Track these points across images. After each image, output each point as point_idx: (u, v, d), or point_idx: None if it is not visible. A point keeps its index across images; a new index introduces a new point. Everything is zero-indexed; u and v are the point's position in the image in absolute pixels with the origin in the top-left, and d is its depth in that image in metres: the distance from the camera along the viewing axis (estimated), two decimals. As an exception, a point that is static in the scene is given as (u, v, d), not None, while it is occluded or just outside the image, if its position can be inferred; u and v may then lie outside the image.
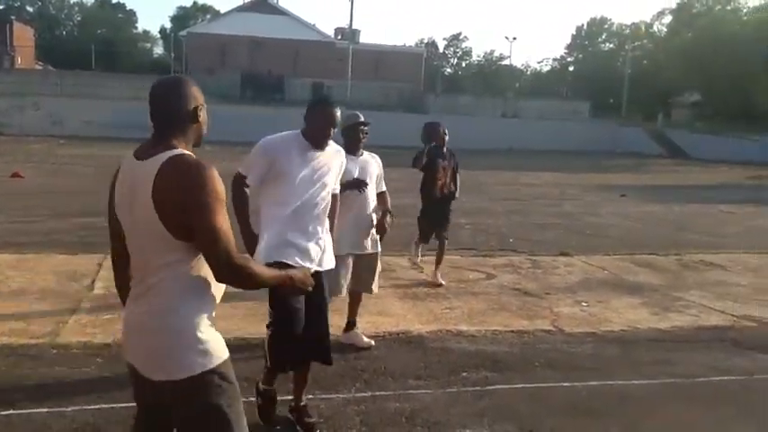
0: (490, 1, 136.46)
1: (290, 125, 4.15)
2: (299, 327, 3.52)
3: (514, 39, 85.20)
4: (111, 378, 4.22)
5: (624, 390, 4.54)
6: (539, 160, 29.40)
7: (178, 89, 2.15)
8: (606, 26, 75.16)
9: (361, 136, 4.65)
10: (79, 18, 75.92)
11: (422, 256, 7.90)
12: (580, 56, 75.33)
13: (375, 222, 4.83)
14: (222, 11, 63.54)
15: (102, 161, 21.79)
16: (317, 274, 3.30)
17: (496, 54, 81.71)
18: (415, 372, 4.64)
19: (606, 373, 4.81)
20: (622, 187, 19.34)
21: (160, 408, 2.14)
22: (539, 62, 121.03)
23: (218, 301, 2.17)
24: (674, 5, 64.40)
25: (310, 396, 3.94)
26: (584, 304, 6.60)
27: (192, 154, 2.08)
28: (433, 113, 42.64)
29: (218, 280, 2.06)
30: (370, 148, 4.92)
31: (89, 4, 77.08)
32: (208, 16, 68.70)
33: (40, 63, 56.44)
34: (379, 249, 5.02)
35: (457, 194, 7.41)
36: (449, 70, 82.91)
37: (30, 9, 73.27)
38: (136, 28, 77.77)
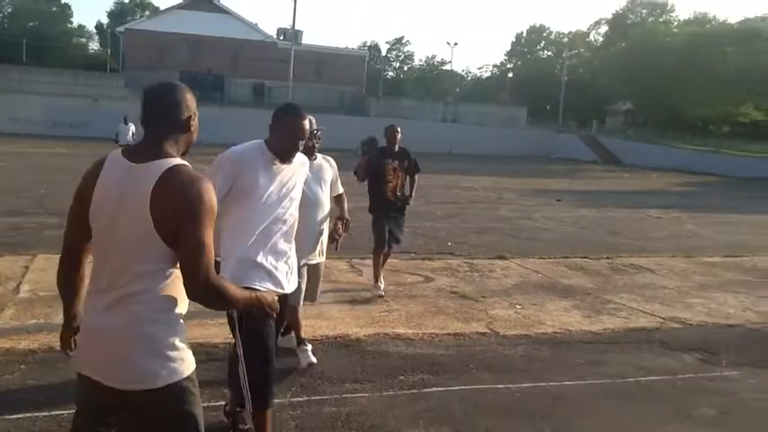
0: (432, 6, 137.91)
1: (231, 125, 4.03)
2: (273, 359, 3.24)
3: (456, 44, 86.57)
4: (35, 386, 4.06)
5: (556, 390, 4.64)
6: (478, 165, 29.83)
7: (174, 97, 2.14)
8: (545, 34, 76.93)
9: (315, 142, 4.49)
10: (10, 9, 73.10)
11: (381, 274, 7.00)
12: (519, 63, 76.87)
13: (328, 231, 4.73)
14: (161, 8, 62.34)
15: (31, 160, 21.08)
16: (282, 297, 3.16)
17: (438, 59, 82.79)
18: (352, 375, 4.64)
19: (539, 374, 4.91)
20: (558, 192, 19.82)
21: (118, 418, 2.10)
22: (479, 68, 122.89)
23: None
24: (609, 16, 66.43)
25: (221, 402, 3.88)
26: (518, 307, 6.73)
27: (189, 165, 2.08)
28: (374, 116, 42.82)
29: (192, 296, 2.06)
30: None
31: (20, -4, 74.38)
32: (146, 13, 67.13)
33: (-35, 56, 54.16)
34: (324, 258, 4.94)
35: (411, 201, 7.07)
36: (391, 74, 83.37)
37: (-44, 0, 70.27)
38: (71, 22, 75.28)
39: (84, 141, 28.16)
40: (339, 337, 5.43)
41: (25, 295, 5.97)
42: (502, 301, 6.90)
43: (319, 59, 52.49)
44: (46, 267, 6.61)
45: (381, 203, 6.87)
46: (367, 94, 53.25)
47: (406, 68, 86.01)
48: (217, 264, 2.18)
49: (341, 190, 4.88)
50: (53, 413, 3.63)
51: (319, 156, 4.76)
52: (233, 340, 3.11)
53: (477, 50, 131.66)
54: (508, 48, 80.00)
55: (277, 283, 3.26)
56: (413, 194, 7.09)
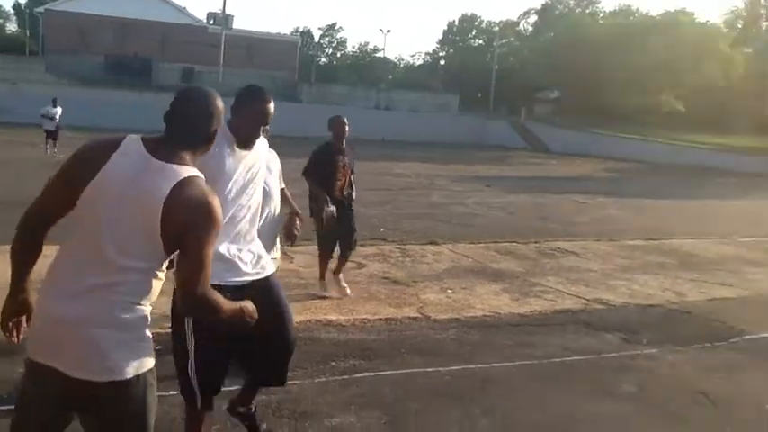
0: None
1: (159, 110, 3.78)
2: (224, 360, 3.07)
3: (389, 31, 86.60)
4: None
5: (485, 372, 4.74)
6: (410, 151, 30.00)
7: (209, 108, 2.14)
8: (476, 23, 77.76)
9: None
10: None
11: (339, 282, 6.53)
12: (451, 51, 77.51)
13: (282, 228, 4.36)
14: (83, -12, 59.86)
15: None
16: (263, 281, 3.09)
17: (371, 46, 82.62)
18: (283, 362, 4.61)
19: (469, 357, 5.01)
20: (488, 178, 20.16)
21: (78, 411, 2.06)
22: (411, 55, 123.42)
23: None
24: (538, 6, 67.76)
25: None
26: (449, 291, 6.83)
27: (203, 177, 2.09)
28: (306, 103, 42.51)
29: (183, 306, 2.08)
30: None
31: (-72, -27, 70.32)
32: (67, -7, 64.42)
33: None
34: (279, 254, 4.74)
35: (354, 195, 6.51)
36: (324, 60, 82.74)
37: None
38: (-15, 2, 71.76)
39: (3, 127, 26.94)
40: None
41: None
42: (433, 286, 6.99)
43: (250, 45, 51.63)
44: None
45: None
46: (299, 80, 52.75)
47: (338, 55, 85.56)
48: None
49: (283, 184, 4.52)
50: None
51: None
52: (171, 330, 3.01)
53: (410, 38, 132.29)
54: (440, 36, 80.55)
55: (240, 273, 3.06)
56: (354, 191, 6.53)
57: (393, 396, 4.21)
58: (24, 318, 2.17)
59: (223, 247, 2.97)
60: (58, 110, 19.01)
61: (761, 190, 22.07)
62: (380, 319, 5.74)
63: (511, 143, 42.58)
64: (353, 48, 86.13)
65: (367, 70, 72.80)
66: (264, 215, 4.02)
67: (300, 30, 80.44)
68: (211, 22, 50.03)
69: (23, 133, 23.25)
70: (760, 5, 57.46)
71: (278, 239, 4.59)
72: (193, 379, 3.00)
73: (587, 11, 63.23)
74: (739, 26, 57.04)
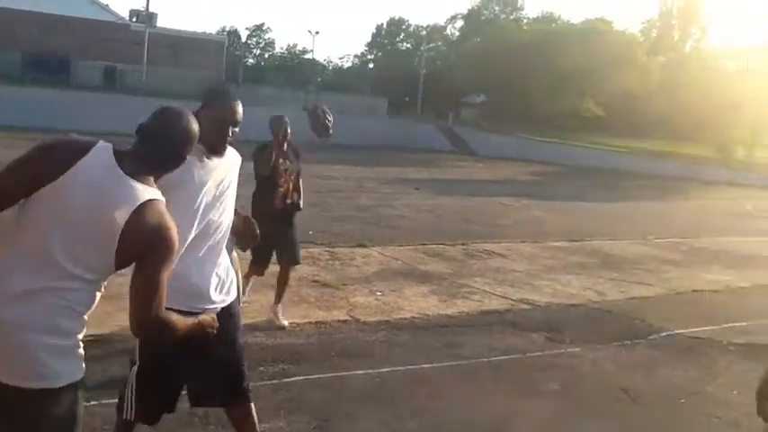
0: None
1: (78, 110, 3.53)
2: (165, 381, 2.89)
3: (317, 33, 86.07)
4: None
5: (414, 374, 4.78)
6: (339, 154, 29.95)
7: (188, 136, 2.12)
8: (404, 27, 78.41)
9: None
10: None
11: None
12: (379, 54, 77.90)
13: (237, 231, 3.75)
14: (-4, -18, 57.26)
15: None
16: (224, 310, 2.86)
17: (299, 47, 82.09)
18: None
19: (398, 358, 5.03)
20: (416, 181, 20.35)
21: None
22: (340, 58, 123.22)
23: None
24: (465, 11, 68.90)
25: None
26: (378, 294, 6.85)
27: (164, 201, 2.05)
28: (233, 104, 41.75)
29: (138, 329, 2.04)
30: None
31: None
32: (-22, -14, 61.50)
33: None
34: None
35: (302, 204, 5.84)
36: (251, 61, 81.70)
37: None
38: None
39: None
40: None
41: None
42: (362, 289, 7.00)
43: (176, 44, 50.48)
44: None
45: (268, 215, 5.17)
46: (226, 80, 51.94)
47: (266, 56, 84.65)
48: None
49: None
50: None
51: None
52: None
53: (339, 40, 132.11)
54: (369, 39, 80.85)
55: (206, 300, 2.80)
56: (302, 198, 5.86)
57: (323, 400, 4.18)
58: None
59: (189, 270, 2.71)
60: None
61: (675, 193, 23.10)
62: (310, 323, 5.70)
63: (439, 146, 43.11)
64: (282, 49, 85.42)
65: (295, 72, 72.34)
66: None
67: (227, 29, 79.28)
68: (134, 19, 48.64)
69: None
70: (672, 17, 60.14)
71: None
72: (130, 399, 2.89)
73: (512, 17, 64.76)
74: (654, 36, 59.55)
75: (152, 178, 2.06)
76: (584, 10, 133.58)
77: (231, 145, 2.92)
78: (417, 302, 6.65)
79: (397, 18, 78.59)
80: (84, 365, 2.03)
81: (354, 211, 13.20)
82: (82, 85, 40.76)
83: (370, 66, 79.04)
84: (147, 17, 45.12)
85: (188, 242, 2.69)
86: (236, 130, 2.85)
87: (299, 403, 4.10)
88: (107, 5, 50.15)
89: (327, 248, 8.98)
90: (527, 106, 45.45)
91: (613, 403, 4.52)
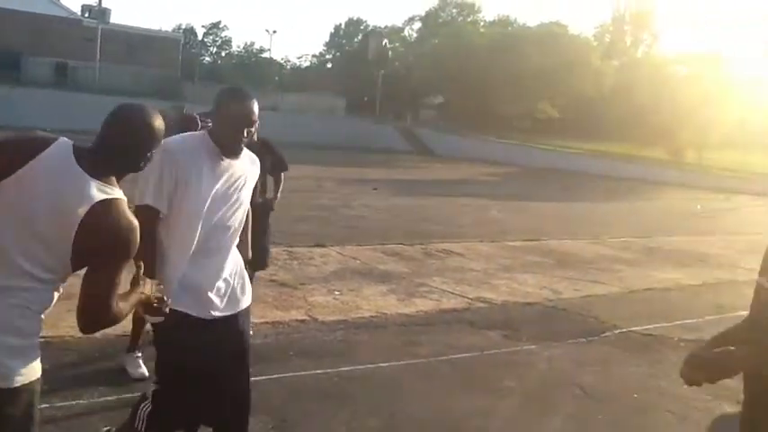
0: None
1: (29, 107, 3.42)
2: (187, 394, 2.77)
3: (275, 32, 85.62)
4: None
5: (372, 373, 4.78)
6: (297, 154, 29.72)
7: (151, 134, 2.02)
8: (362, 27, 78.41)
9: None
10: None
11: None
12: (338, 54, 77.75)
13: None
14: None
15: None
16: (231, 320, 2.78)
17: (257, 46, 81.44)
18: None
19: (356, 358, 5.02)
20: (375, 181, 20.35)
21: None
22: (298, 57, 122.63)
23: None
24: (422, 13, 69.25)
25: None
26: (337, 293, 6.83)
27: (125, 200, 1.99)
28: (190, 103, 41.23)
29: (86, 327, 1.98)
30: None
31: None
32: None
33: None
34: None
35: (275, 202, 5.66)
36: (208, 59, 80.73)
37: None
38: None
39: None
40: (150, 331, 5.18)
41: None
42: (321, 288, 6.97)
43: (130, 40, 49.59)
44: None
45: None
46: (182, 79, 51.25)
47: (223, 54, 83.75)
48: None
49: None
50: None
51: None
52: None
53: (297, 40, 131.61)
54: (327, 39, 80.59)
55: (210, 307, 2.72)
56: (278, 195, 5.73)
57: (281, 399, 4.15)
58: None
59: (195, 274, 2.67)
60: None
61: (629, 194, 23.60)
62: (267, 323, 5.65)
63: (397, 147, 43.23)
64: (239, 47, 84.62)
65: (253, 70, 71.73)
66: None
67: (183, 27, 78.18)
68: (86, 15, 47.58)
69: None
70: (625, 22, 61.44)
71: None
72: (142, 413, 2.83)
73: (469, 19, 65.29)
74: (607, 40, 60.75)
75: (114, 177, 2.00)
76: (540, 14, 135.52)
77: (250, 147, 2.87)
78: (376, 302, 6.65)
79: (355, 18, 78.65)
80: (40, 366, 1.99)
81: (313, 210, 13.14)
82: (32, 81, 39.74)
83: (329, 66, 78.83)
84: (99, 13, 44.22)
85: (194, 245, 2.65)
86: (252, 131, 2.74)
87: (256, 403, 4.01)
88: (58, 0, 48.96)
89: (286, 248, 8.91)
90: (484, 108, 45.95)
91: (569, 399, 4.59)
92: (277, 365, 4.71)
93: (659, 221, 15.77)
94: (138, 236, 1.98)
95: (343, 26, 78.17)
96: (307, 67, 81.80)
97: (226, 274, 2.78)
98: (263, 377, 4.47)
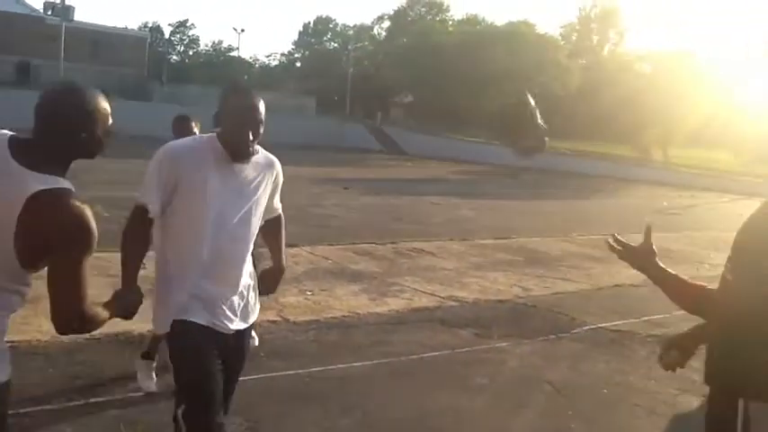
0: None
1: None
2: (216, 394, 2.60)
3: (242, 31, 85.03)
4: None
5: (344, 372, 4.78)
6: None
7: (84, 109, 1.87)
8: (331, 26, 78.22)
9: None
10: None
11: None
12: (306, 53, 77.46)
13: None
14: None
15: None
16: (238, 335, 2.64)
17: (225, 45, 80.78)
18: (135, 374, 4.40)
19: (328, 358, 5.02)
20: (345, 180, 20.33)
21: None
22: (267, 56, 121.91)
23: None
24: (391, 12, 69.32)
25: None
26: (308, 293, 6.82)
27: (72, 189, 1.83)
28: (158, 102, 40.81)
29: (60, 328, 1.88)
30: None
31: None
32: None
33: None
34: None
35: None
36: (175, 58, 79.89)
37: None
38: None
39: None
40: (121, 333, 5.11)
41: None
42: (292, 289, 6.94)
43: (95, 39, 48.92)
44: None
45: None
46: (149, 78, 50.63)
47: (191, 53, 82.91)
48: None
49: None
50: None
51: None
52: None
53: (265, 38, 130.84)
54: (296, 37, 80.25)
55: (220, 318, 2.56)
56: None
57: (253, 400, 4.12)
58: None
59: (208, 288, 2.52)
60: None
61: (597, 191, 23.91)
62: (239, 324, 5.61)
63: (367, 146, 43.24)
64: (207, 46, 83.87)
65: (221, 70, 71.14)
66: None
67: (149, 25, 77.24)
68: (49, 12, 46.79)
69: None
70: (591, 21, 62.20)
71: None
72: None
73: (438, 18, 65.53)
74: (574, 39, 61.45)
75: (59, 167, 1.86)
76: (507, 13, 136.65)
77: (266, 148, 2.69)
78: (347, 301, 6.65)
79: (324, 17, 78.45)
80: (9, 368, 1.94)
81: (284, 210, 13.09)
82: (-6, 80, 38.96)
83: (298, 64, 78.49)
84: (63, 10, 43.44)
85: (205, 255, 2.49)
86: (259, 131, 2.52)
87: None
88: (20, -3, 48.10)
89: (257, 249, 8.86)
90: (454, 106, 46.17)
91: (540, 395, 4.64)
92: (249, 366, 4.63)
93: (627, 218, 15.98)
94: (92, 228, 1.84)
95: (312, 25, 77.90)
96: (276, 66, 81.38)
97: (241, 286, 2.63)
98: (235, 379, 4.45)
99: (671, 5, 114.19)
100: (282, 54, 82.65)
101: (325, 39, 77.94)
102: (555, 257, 9.93)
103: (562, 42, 56.34)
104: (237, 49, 79.17)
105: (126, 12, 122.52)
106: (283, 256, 3.00)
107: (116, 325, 5.25)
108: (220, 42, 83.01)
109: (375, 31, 73.39)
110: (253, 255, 2.77)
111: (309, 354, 5.08)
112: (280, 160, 2.87)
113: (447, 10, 68.12)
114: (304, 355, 5.05)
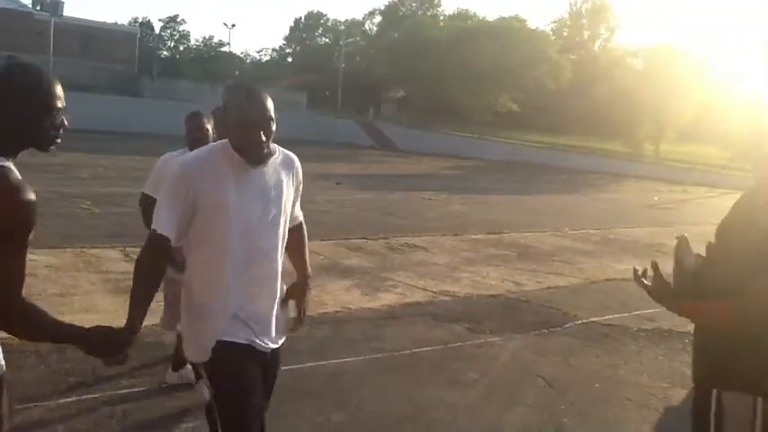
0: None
1: None
2: (254, 425, 2.43)
3: (233, 26, 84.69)
4: None
5: (336, 367, 4.78)
6: (259, 149, 29.61)
7: (31, 95, 1.77)
8: (322, 21, 78.04)
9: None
10: None
11: None
12: (298, 48, 77.27)
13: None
14: None
15: None
16: (277, 350, 2.49)
17: (216, 40, 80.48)
18: (128, 370, 4.38)
19: (321, 353, 5.02)
20: (337, 176, 20.31)
21: None
22: (258, 51, 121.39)
23: None
24: (382, 7, 69.24)
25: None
26: (301, 289, 6.80)
27: (12, 169, 1.73)
28: (148, 98, 40.65)
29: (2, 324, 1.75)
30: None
31: None
32: None
33: None
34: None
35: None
36: (166, 53, 79.53)
37: None
38: None
39: None
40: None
41: None
42: (284, 284, 6.92)
43: (85, 34, 48.60)
44: None
45: None
46: (140, 73, 50.37)
47: (181, 48, 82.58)
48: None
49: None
50: None
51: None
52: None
53: (256, 33, 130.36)
54: (287, 32, 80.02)
55: (263, 336, 2.39)
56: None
57: (245, 397, 4.12)
58: None
59: (247, 306, 2.34)
60: None
61: (588, 186, 23.99)
62: (231, 320, 5.60)
63: (359, 141, 43.24)
64: (197, 41, 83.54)
65: (212, 65, 70.87)
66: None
67: (139, 20, 76.85)
68: (38, 8, 46.43)
69: None
70: (582, 16, 62.31)
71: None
72: None
73: (429, 13, 65.48)
74: (565, 34, 61.53)
75: (4, 150, 1.76)
76: (498, 8, 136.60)
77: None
78: (340, 296, 6.65)
79: (315, 12, 78.29)
80: (3, 362, 1.92)
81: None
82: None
83: (289, 60, 78.31)
84: (52, 6, 43.17)
85: (235, 272, 2.29)
86: (271, 128, 2.30)
87: (221, 402, 4.03)
88: (8, -8, 47.70)
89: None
90: (445, 101, 46.19)
91: (532, 390, 4.65)
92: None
93: (618, 213, 16.07)
94: (27, 208, 1.71)
95: (303, 20, 77.72)
96: (267, 62, 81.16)
97: (277, 301, 2.47)
98: (228, 375, 4.45)
99: (667, 5, 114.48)
100: (273, 49, 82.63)
101: (316, 34, 77.80)
102: (547, 252, 9.96)
103: (553, 38, 56.41)
104: (228, 44, 79.00)
105: (116, 7, 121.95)
106: (309, 270, 2.82)
107: (107, 322, 5.24)
108: (211, 38, 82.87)
109: (366, 27, 73.32)
110: None
111: (302, 349, 5.07)
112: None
113: (438, 5, 68.21)
114: (297, 350, 5.02)
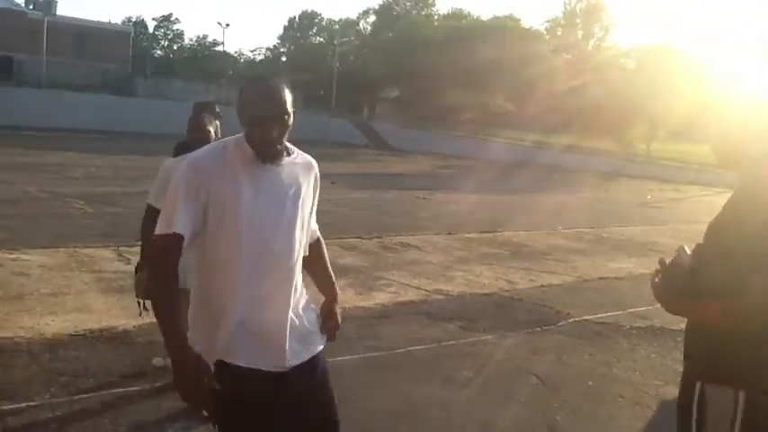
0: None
1: None
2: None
3: (227, 25, 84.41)
4: None
5: (331, 366, 4.75)
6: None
7: None
8: (317, 20, 77.96)
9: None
10: None
11: None
12: (292, 47, 77.18)
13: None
14: None
15: None
16: (308, 364, 2.25)
17: (210, 39, 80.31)
18: (120, 370, 4.38)
19: (315, 352, 5.01)
20: (332, 175, 20.23)
21: None
22: (252, 50, 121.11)
23: None
24: (377, 6, 69.23)
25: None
26: (295, 288, 6.80)
27: None
28: (142, 97, 40.54)
29: None
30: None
31: None
32: None
33: None
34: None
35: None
36: (159, 52, 79.35)
37: None
38: None
39: None
40: (105, 330, 5.09)
41: None
42: (278, 284, 6.93)
43: (78, 33, 48.41)
44: None
45: None
46: (133, 72, 50.24)
47: (175, 48, 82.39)
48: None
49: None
50: None
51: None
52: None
53: (250, 33, 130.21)
54: (281, 32, 79.95)
55: (277, 354, 2.15)
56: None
57: (239, 396, 4.12)
58: None
59: (255, 318, 2.11)
60: None
61: (582, 185, 24.02)
62: (224, 319, 5.60)
63: (353, 140, 43.25)
64: (191, 41, 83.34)
65: (206, 64, 70.75)
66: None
67: (133, 20, 76.61)
68: (31, 7, 46.26)
69: None
70: (576, 15, 62.41)
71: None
72: None
73: (423, 13, 65.51)
74: (559, 33, 61.62)
75: None
76: (492, 7, 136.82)
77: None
78: (334, 296, 6.64)
79: (309, 11, 78.20)
80: None
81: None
82: (-25, 75, 38.52)
83: (283, 59, 78.20)
84: (45, 5, 43.05)
85: (246, 279, 2.08)
86: (288, 122, 2.16)
87: (214, 401, 4.02)
88: (1, -8, 47.52)
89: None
90: (440, 101, 46.15)
91: (525, 388, 4.66)
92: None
93: (611, 212, 16.12)
94: None
95: (297, 19, 77.64)
96: (261, 61, 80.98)
97: (293, 309, 2.22)
98: (221, 374, 4.44)
99: (666, 4, 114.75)
100: (268, 49, 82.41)
101: (310, 33, 77.74)
102: (540, 251, 9.98)
103: (547, 37, 56.50)
104: (222, 43, 79.06)
105: (109, 6, 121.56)
106: (336, 288, 2.61)
107: (100, 321, 5.24)
108: (205, 37, 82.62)
109: (361, 26, 73.29)
110: None
111: (296, 348, 5.08)
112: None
113: (432, 5, 68.19)
114: (290, 349, 5.04)
